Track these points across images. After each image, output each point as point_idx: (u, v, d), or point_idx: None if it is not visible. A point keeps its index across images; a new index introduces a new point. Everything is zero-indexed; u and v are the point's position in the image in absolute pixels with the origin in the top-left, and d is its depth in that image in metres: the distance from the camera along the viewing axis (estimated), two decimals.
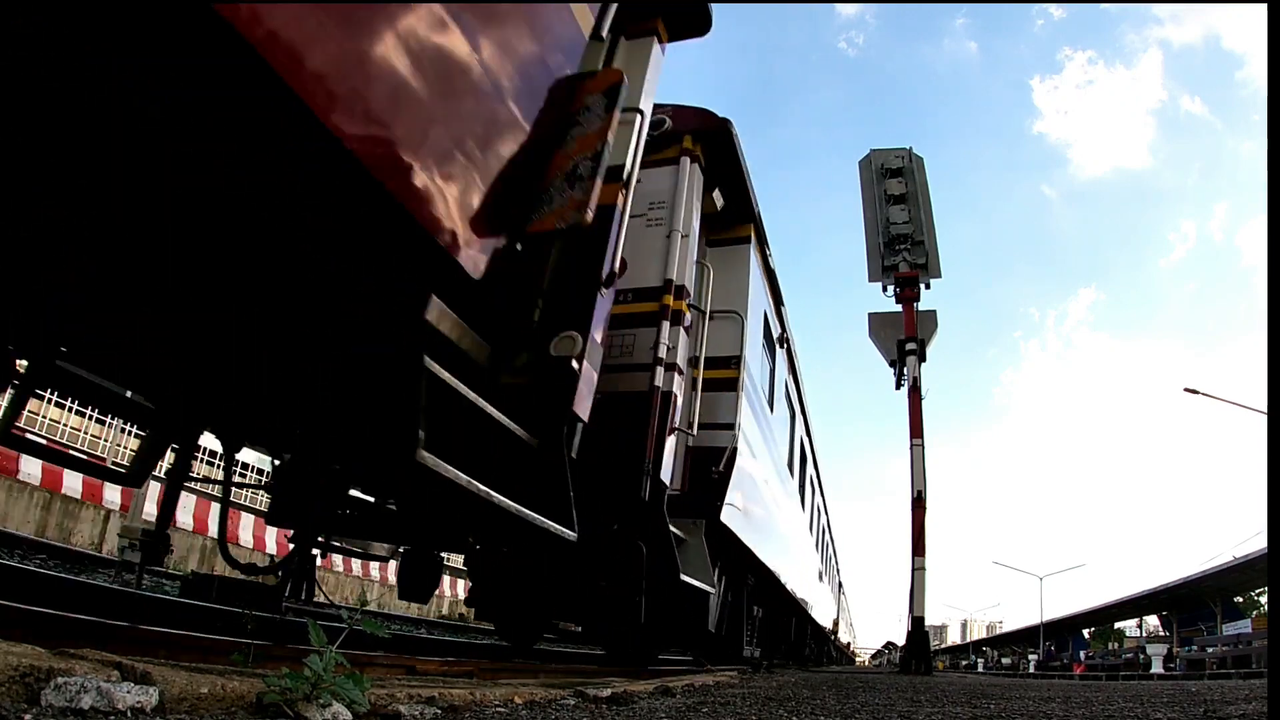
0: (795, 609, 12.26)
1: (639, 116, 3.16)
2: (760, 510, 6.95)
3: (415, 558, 4.89)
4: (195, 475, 19.52)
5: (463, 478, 2.11)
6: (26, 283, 2.18)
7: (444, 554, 5.11)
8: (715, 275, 5.54)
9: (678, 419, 4.77)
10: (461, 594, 26.17)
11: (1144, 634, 36.97)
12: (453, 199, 2.13)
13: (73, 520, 12.14)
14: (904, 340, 15.50)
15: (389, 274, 2.21)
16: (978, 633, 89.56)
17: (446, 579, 25.46)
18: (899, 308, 16.11)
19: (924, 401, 14.81)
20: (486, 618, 6.71)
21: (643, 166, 3.40)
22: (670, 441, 4.53)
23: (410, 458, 1.92)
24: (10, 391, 2.62)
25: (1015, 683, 8.76)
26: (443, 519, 3.73)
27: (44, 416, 13.12)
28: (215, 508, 17.04)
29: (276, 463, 4.18)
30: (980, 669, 45.60)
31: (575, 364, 2.62)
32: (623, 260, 3.14)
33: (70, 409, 13.71)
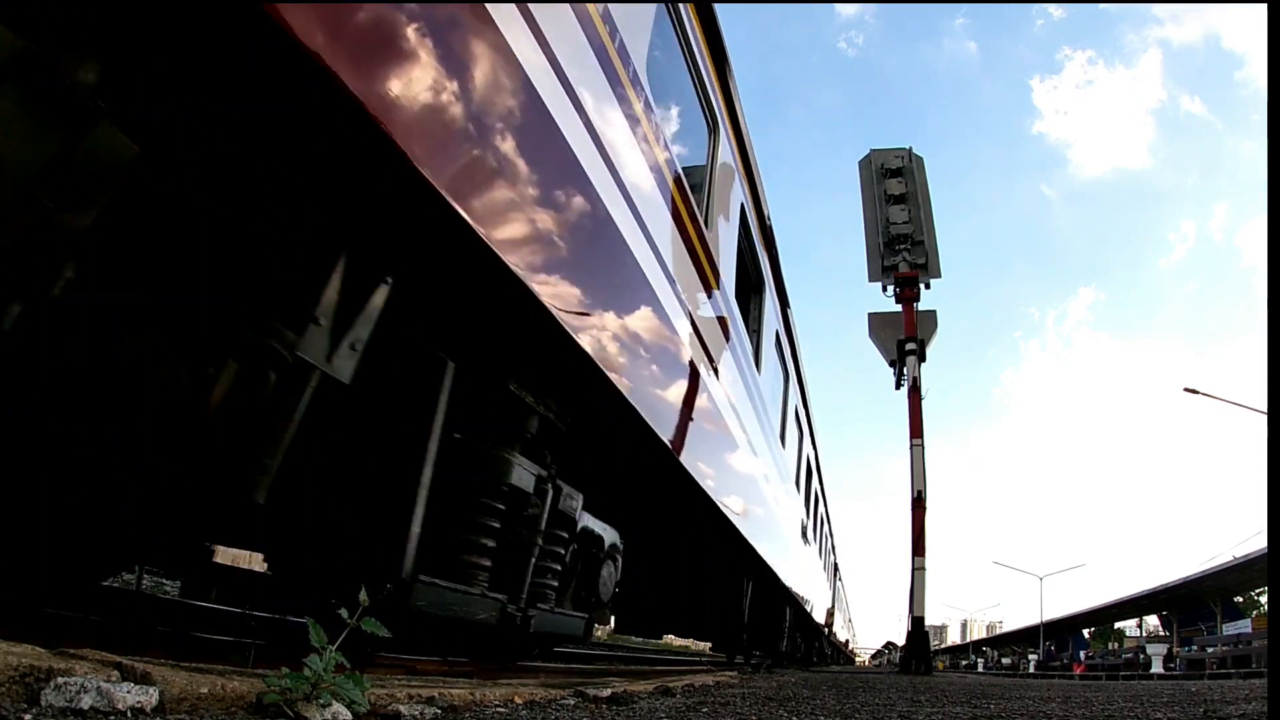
0: (771, 589, 9.49)
1: None
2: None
3: None
4: None
5: None
6: None
7: None
8: None
9: None
10: None
11: (1144, 634, 36.97)
12: None
13: None
14: (904, 340, 15.49)
15: None
16: (978, 633, 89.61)
17: None
18: (899, 308, 16.10)
19: (924, 401, 14.81)
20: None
21: None
22: None
23: None
24: None
25: (1015, 683, 8.76)
26: None
27: None
28: None
29: None
30: (980, 669, 45.60)
31: None
32: None
33: None
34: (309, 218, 1.96)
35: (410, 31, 1.79)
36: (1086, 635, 43.21)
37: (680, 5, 4.11)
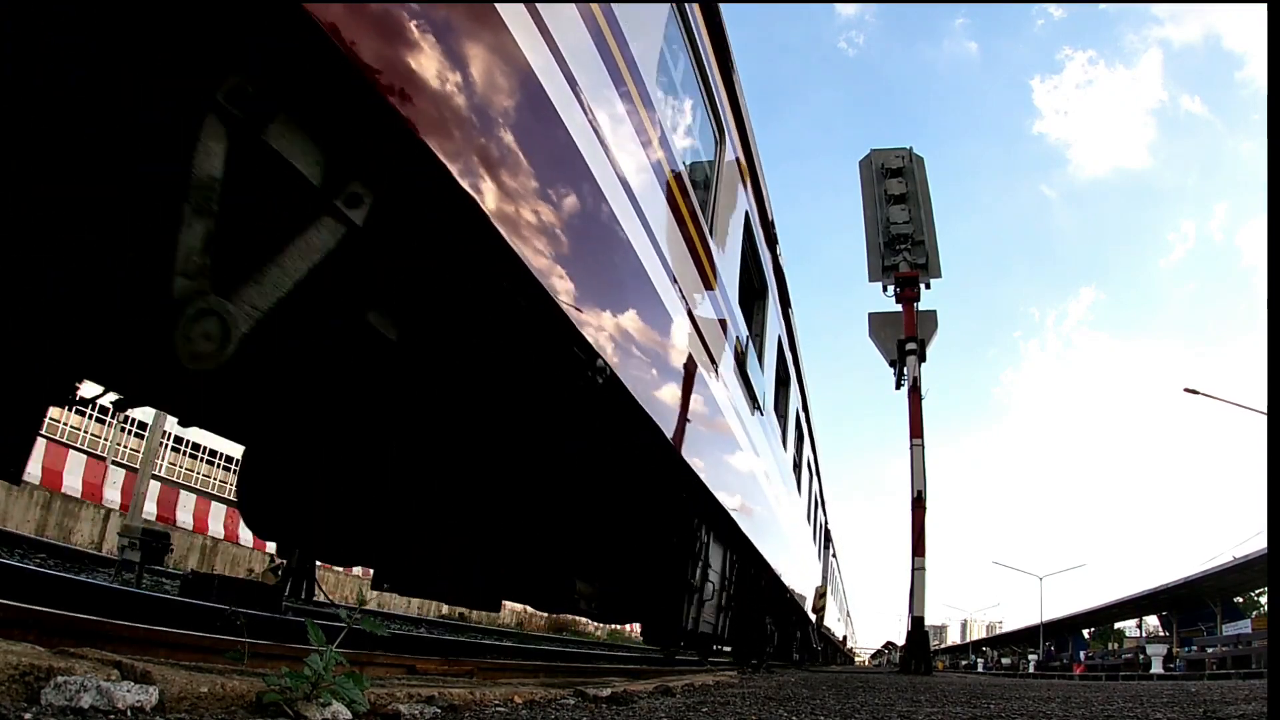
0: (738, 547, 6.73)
1: None
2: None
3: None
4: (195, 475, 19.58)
5: None
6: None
7: None
8: None
9: None
10: None
11: (1144, 634, 36.97)
12: None
13: (72, 519, 12.15)
14: (904, 340, 15.50)
15: None
16: (977, 633, 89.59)
17: None
18: (899, 308, 16.11)
19: (924, 401, 14.83)
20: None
21: None
22: None
23: None
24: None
25: (1015, 683, 8.76)
26: None
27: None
28: (215, 507, 17.06)
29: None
30: (980, 669, 45.60)
31: None
32: None
33: (71, 409, 13.75)
34: None
35: None
36: (1086, 635, 43.21)
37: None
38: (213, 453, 19.90)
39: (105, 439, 15.77)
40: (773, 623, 10.39)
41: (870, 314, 16.50)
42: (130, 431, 16.23)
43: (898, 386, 15.51)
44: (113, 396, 2.72)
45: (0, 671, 1.08)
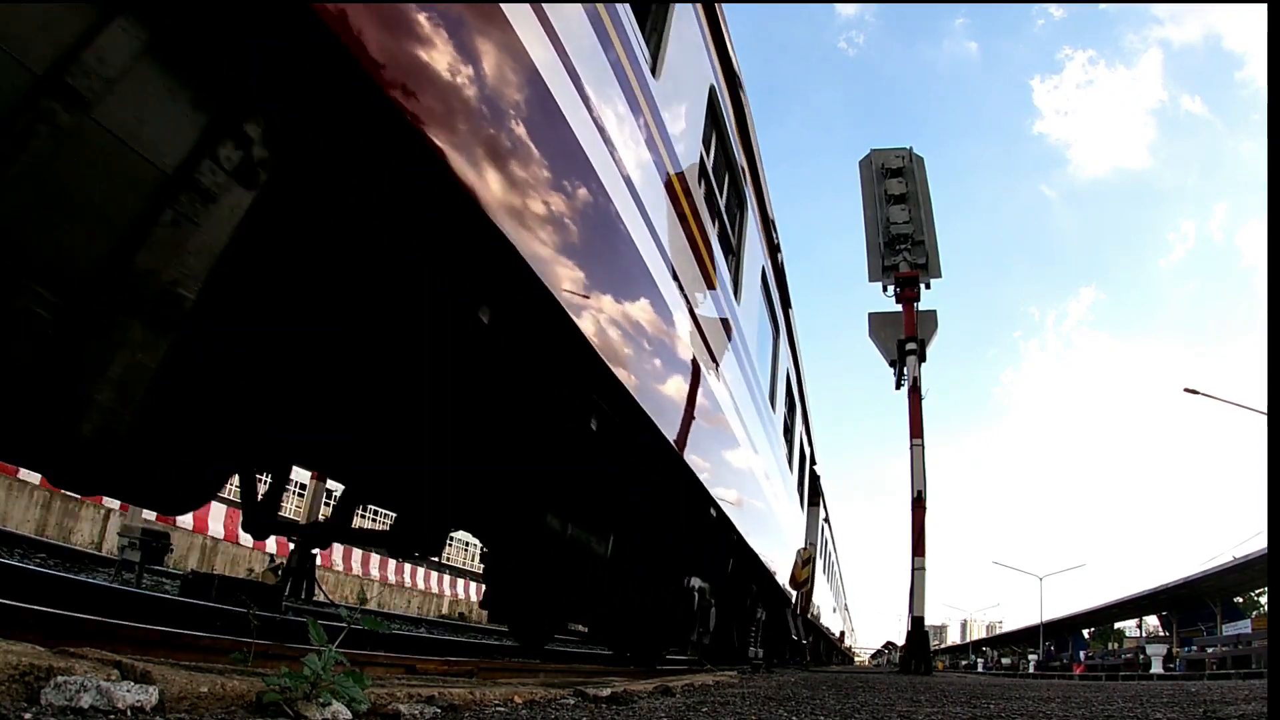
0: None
1: None
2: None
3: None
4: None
5: None
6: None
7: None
8: None
9: None
10: (461, 594, 26.21)
11: (1144, 634, 36.96)
12: None
13: (72, 519, 12.14)
14: (904, 340, 15.50)
15: None
16: (977, 633, 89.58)
17: (446, 578, 25.48)
18: (899, 308, 16.11)
19: (924, 401, 14.83)
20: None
21: None
22: None
23: None
24: None
25: (1015, 683, 8.76)
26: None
27: None
28: (214, 507, 17.04)
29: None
30: (980, 669, 45.59)
31: None
32: None
33: None
34: None
35: None
36: (1086, 635, 43.20)
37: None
38: None
39: None
40: (708, 595, 6.61)
41: (870, 314, 16.52)
42: None
43: (898, 386, 15.52)
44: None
45: (0, 671, 1.08)
